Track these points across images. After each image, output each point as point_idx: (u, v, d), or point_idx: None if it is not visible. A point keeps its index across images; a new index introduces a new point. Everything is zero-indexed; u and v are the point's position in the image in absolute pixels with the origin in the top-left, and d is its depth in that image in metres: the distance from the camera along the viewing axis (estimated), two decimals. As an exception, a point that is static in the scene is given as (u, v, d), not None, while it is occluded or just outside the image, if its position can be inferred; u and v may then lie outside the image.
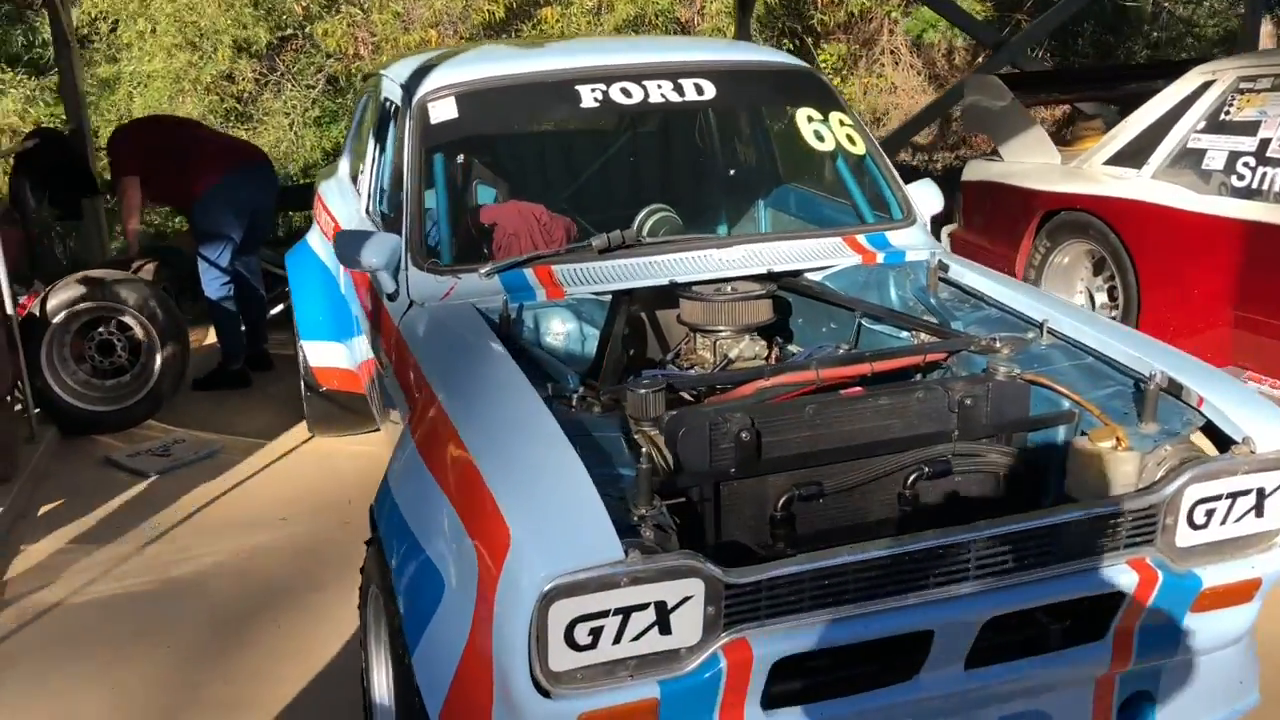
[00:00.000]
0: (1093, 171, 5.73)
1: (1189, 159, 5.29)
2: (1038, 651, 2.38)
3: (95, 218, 6.82)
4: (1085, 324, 2.89)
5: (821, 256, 3.37)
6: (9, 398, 5.11)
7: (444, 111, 3.50)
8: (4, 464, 4.76)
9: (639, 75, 3.58)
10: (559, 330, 3.11)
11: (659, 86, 3.58)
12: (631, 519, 2.13)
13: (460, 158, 4.48)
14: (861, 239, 3.46)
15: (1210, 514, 2.35)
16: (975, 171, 6.74)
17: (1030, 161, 6.24)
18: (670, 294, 3.21)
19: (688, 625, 2.06)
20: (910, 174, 5.05)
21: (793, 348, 3.28)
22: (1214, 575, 2.38)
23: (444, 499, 2.33)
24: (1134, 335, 2.85)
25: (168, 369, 5.61)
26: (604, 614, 2.00)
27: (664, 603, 2.03)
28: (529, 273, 3.18)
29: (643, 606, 2.02)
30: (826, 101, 3.80)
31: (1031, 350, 2.87)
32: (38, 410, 5.45)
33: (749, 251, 3.32)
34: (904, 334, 3.13)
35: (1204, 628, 2.45)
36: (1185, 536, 2.35)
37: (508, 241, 3.65)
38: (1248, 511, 2.38)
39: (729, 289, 3.18)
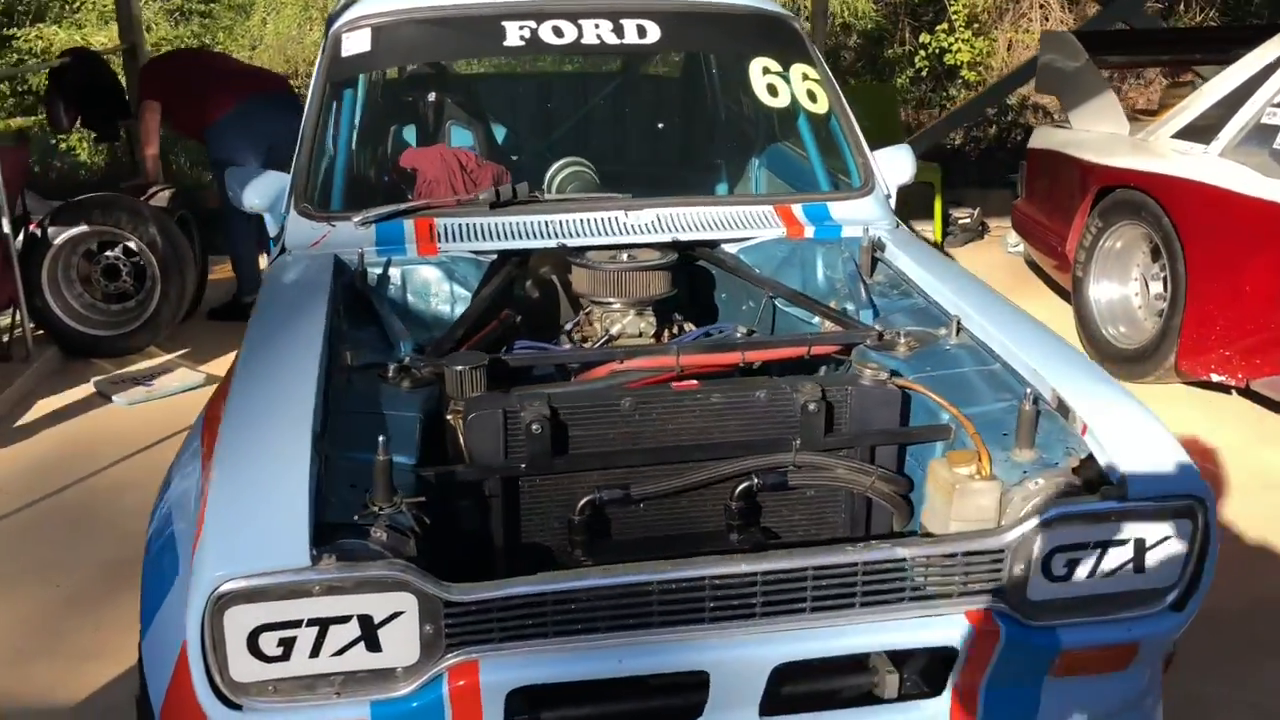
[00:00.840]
0: (1158, 146, 5.14)
1: (1262, 136, 4.67)
2: (864, 703, 2.05)
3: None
4: (1000, 324, 2.48)
5: (741, 226, 3.01)
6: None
7: (357, 44, 3.25)
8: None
9: (574, 14, 3.26)
10: (428, 290, 2.85)
11: (595, 27, 3.25)
12: (363, 518, 1.88)
13: (432, 96, 4.26)
14: (797, 209, 3.08)
15: (1072, 565, 1.96)
16: (1040, 139, 6.17)
17: (1096, 130, 5.65)
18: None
19: (401, 643, 1.80)
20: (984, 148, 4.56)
21: (690, 326, 2.95)
22: (1077, 636, 2.00)
23: (198, 472, 2.13)
24: (1051, 341, 2.43)
25: (167, 298, 5.57)
26: (296, 624, 1.76)
27: (370, 617, 1.77)
28: (408, 224, 2.92)
29: (344, 619, 1.77)
30: (790, 52, 3.41)
31: (936, 349, 2.48)
32: (40, 330, 5.49)
33: (660, 216, 2.99)
34: (816, 320, 2.78)
35: (1070, 696, 2.07)
36: (1039, 589, 1.97)
37: (426, 188, 3.40)
38: (1124, 565, 1.98)
39: (625, 257, 2.86)
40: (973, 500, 2.04)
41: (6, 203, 5.13)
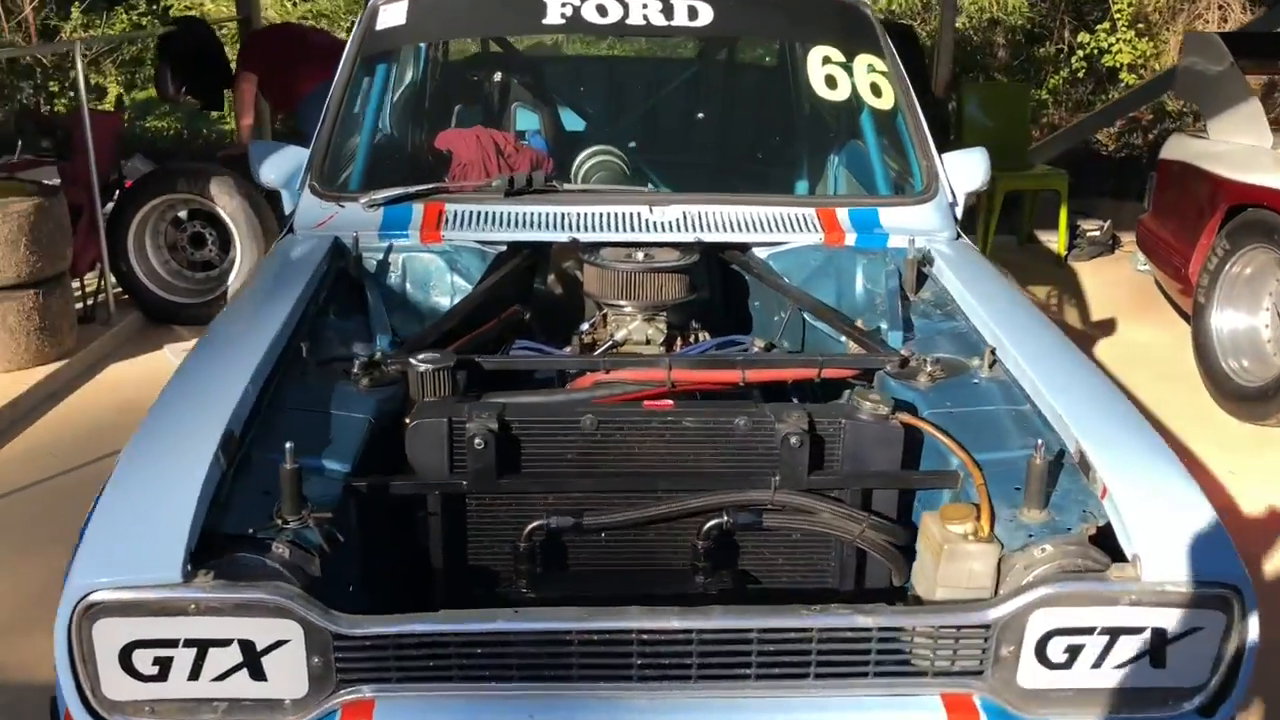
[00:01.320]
0: (1302, 161, 4.62)
1: None
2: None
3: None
4: (1041, 358, 2.16)
5: (775, 229, 2.74)
6: (83, 279, 5.22)
7: (393, 17, 3.10)
8: (53, 341, 4.85)
9: (622, -11, 3.04)
10: (428, 280, 2.68)
11: (643, 6, 3.02)
12: (263, 531, 1.71)
13: (498, 76, 4.10)
14: (841, 214, 2.80)
15: (1074, 651, 1.66)
16: (1172, 149, 5.66)
17: (1233, 142, 5.13)
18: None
19: (287, 674, 1.63)
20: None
21: (707, 336, 2.70)
22: (1077, 736, 1.70)
23: None
24: (1094, 384, 2.10)
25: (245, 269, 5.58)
26: (172, 644, 1.60)
27: (252, 643, 1.61)
28: (418, 209, 2.75)
29: (224, 643, 1.61)
30: (858, 41, 3.11)
31: (963, 382, 2.19)
32: (124, 294, 5.56)
33: (686, 214, 2.75)
34: (845, 339, 2.50)
35: (1070, 802, 1.76)
36: (1031, 675, 1.68)
37: (460, 171, 3.23)
38: (1138, 657, 1.67)
39: (641, 256, 2.63)
40: (964, 564, 1.76)
41: (97, 167, 5.20)
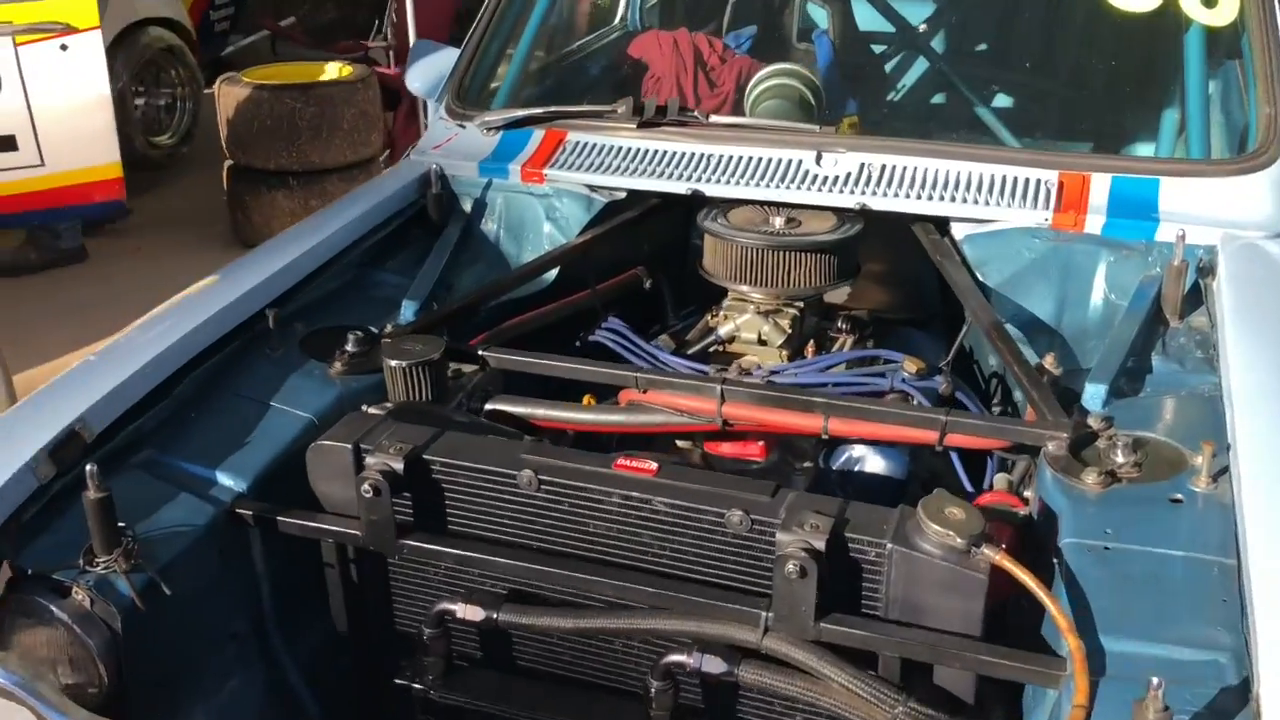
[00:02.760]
0: None
1: None
2: None
3: None
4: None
5: (984, 198, 1.92)
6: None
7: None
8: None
9: None
10: (522, 230, 2.16)
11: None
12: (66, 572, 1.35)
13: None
14: (1099, 182, 1.91)
15: None
16: None
17: None
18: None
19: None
20: None
21: (848, 345, 1.95)
22: None
23: None
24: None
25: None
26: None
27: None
28: (537, 136, 2.22)
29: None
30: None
31: (1150, 496, 1.36)
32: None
33: (866, 167, 2.00)
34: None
35: None
36: None
37: (652, 86, 2.64)
38: None
39: (780, 222, 1.94)
40: None
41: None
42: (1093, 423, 1.48)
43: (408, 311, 1.89)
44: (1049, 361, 1.67)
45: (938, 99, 2.69)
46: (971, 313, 1.76)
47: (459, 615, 1.42)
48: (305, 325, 1.83)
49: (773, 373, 1.77)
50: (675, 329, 2.10)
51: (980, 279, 1.86)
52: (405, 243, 2.12)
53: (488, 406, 1.72)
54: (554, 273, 2.06)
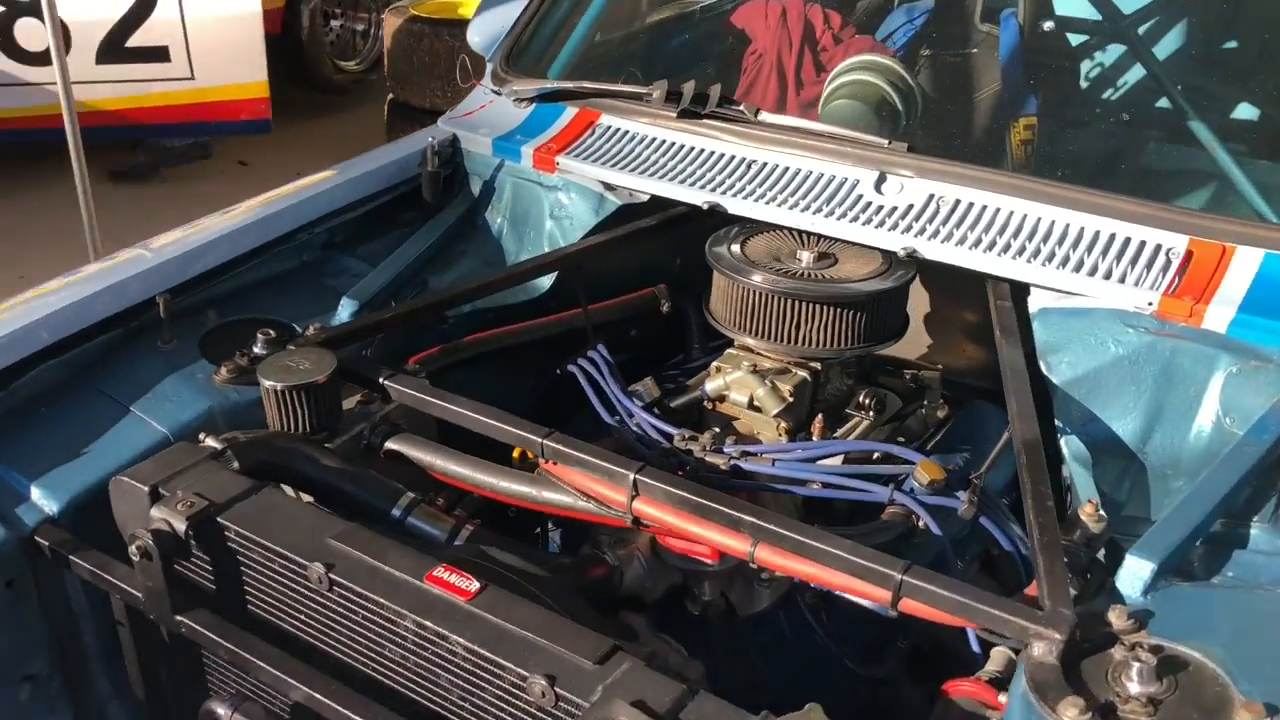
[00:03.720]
0: None
1: None
2: None
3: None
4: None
5: (1068, 262, 1.44)
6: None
7: None
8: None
9: None
10: (525, 224, 1.84)
11: None
12: None
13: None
14: (1244, 257, 1.39)
15: None
16: None
17: None
18: None
19: None
20: None
21: (866, 422, 1.52)
22: None
23: None
24: None
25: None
26: None
27: None
28: (569, 113, 1.88)
29: None
30: None
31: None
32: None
33: (935, 198, 1.56)
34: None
35: None
36: None
37: (752, 64, 2.24)
38: None
39: (806, 259, 1.54)
40: None
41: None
42: (1113, 619, 1.03)
43: (344, 311, 1.61)
44: (1087, 511, 1.20)
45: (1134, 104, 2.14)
46: (1013, 415, 1.31)
47: (221, 716, 1.14)
48: (220, 314, 1.58)
49: (744, 454, 1.39)
50: (683, 368, 1.74)
51: (1045, 370, 1.40)
52: (392, 225, 1.84)
53: (387, 445, 1.42)
54: (548, 280, 1.73)
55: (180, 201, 4.22)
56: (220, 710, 1.14)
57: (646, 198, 1.74)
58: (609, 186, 1.76)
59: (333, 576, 1.08)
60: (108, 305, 1.47)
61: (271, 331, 1.48)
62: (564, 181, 1.78)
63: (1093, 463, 1.35)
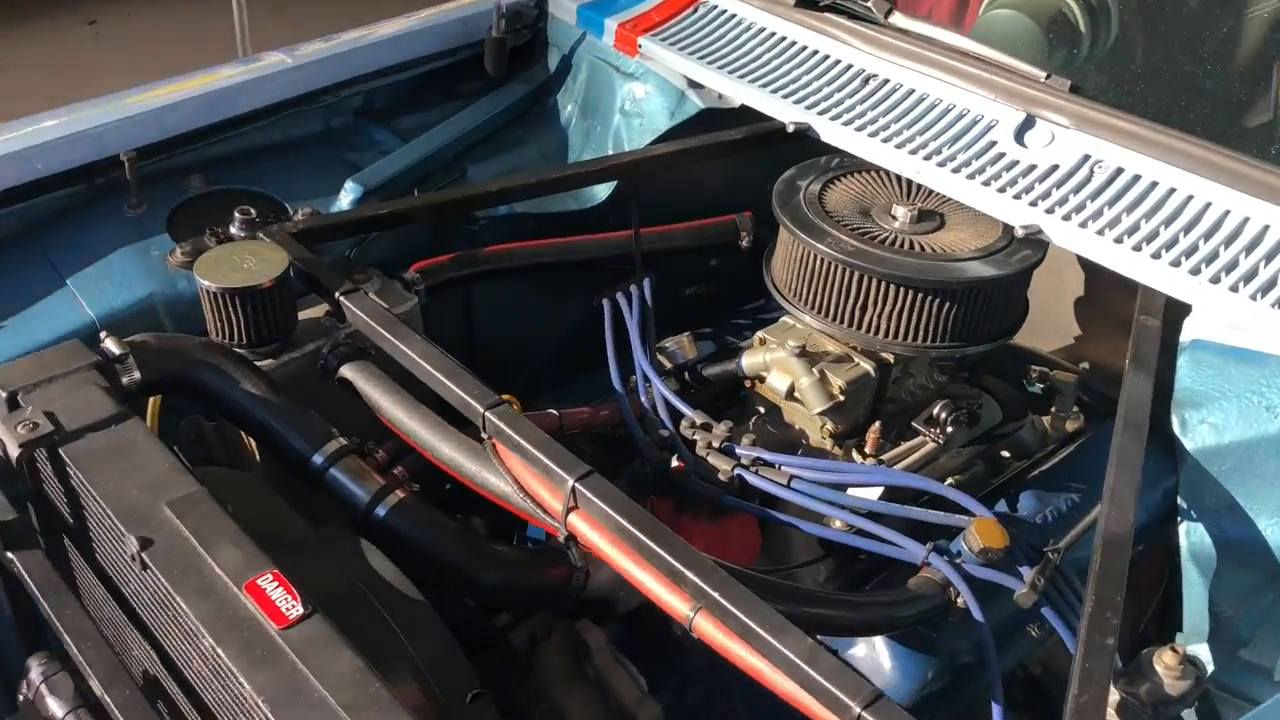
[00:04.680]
0: None
1: None
2: None
3: None
4: None
5: (1240, 279, 1.03)
6: None
7: None
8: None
9: None
10: (595, 108, 1.53)
11: None
12: None
13: None
14: None
15: None
16: None
17: None
18: None
19: None
20: None
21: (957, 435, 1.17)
22: None
23: None
24: None
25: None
26: None
27: None
28: (669, -13, 1.54)
29: None
30: None
31: None
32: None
33: (1085, 160, 1.16)
34: None
35: None
36: None
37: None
38: None
39: (904, 215, 1.18)
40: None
41: None
42: None
43: (346, 198, 1.37)
44: (1166, 661, 0.84)
45: None
46: (1108, 490, 0.95)
47: (32, 680, 0.96)
48: (207, 181, 1.37)
49: (756, 463, 1.08)
50: (756, 317, 1.43)
51: (1178, 428, 1.02)
52: (448, 96, 1.57)
53: (340, 371, 1.19)
54: (605, 190, 1.43)
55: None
56: (34, 673, 0.97)
57: (738, 104, 1.40)
58: (694, 84, 1.42)
59: (144, 556, 0.86)
60: (65, 157, 1.27)
61: (253, 210, 1.25)
62: (643, 69, 1.46)
63: (1216, 570, 0.98)
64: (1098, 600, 0.84)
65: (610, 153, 1.47)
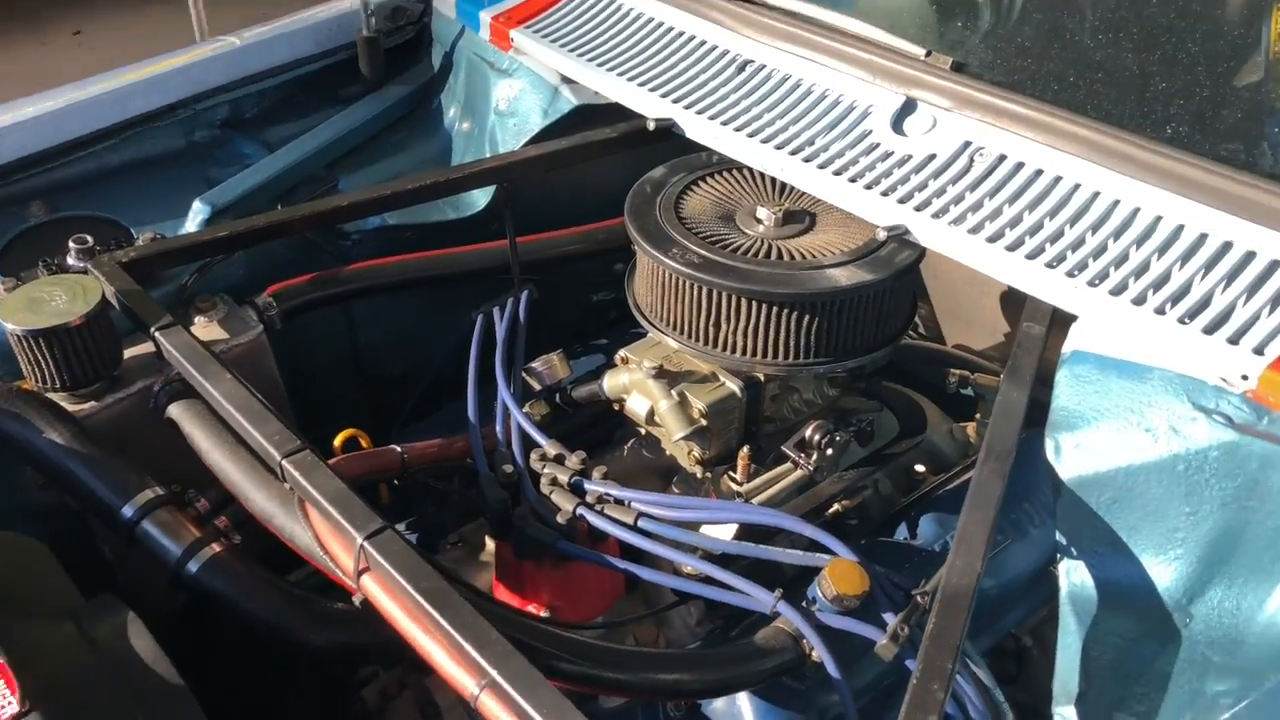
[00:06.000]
0: None
1: None
2: None
3: None
4: None
5: (1129, 281, 0.90)
6: None
7: None
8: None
9: None
10: (473, 108, 1.42)
11: None
12: None
13: None
14: None
15: None
16: None
17: None
18: None
19: None
20: None
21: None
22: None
23: None
24: None
25: None
26: None
27: None
28: (557, -27, 1.42)
29: None
30: None
31: None
32: None
33: (965, 146, 1.03)
34: None
35: None
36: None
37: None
38: None
39: (767, 217, 1.07)
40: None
41: None
42: None
43: (194, 219, 1.28)
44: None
45: None
46: (961, 529, 0.83)
47: None
48: (50, 207, 1.29)
49: (601, 501, 0.98)
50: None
51: (1050, 452, 0.90)
52: (323, 101, 1.47)
53: (168, 411, 1.10)
54: (483, 196, 1.33)
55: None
56: None
57: (611, 100, 1.29)
58: (568, 80, 1.31)
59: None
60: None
61: (89, 239, 1.17)
62: (516, 64, 1.35)
63: (1095, 616, 0.86)
64: (924, 669, 0.73)
65: (487, 155, 1.36)
